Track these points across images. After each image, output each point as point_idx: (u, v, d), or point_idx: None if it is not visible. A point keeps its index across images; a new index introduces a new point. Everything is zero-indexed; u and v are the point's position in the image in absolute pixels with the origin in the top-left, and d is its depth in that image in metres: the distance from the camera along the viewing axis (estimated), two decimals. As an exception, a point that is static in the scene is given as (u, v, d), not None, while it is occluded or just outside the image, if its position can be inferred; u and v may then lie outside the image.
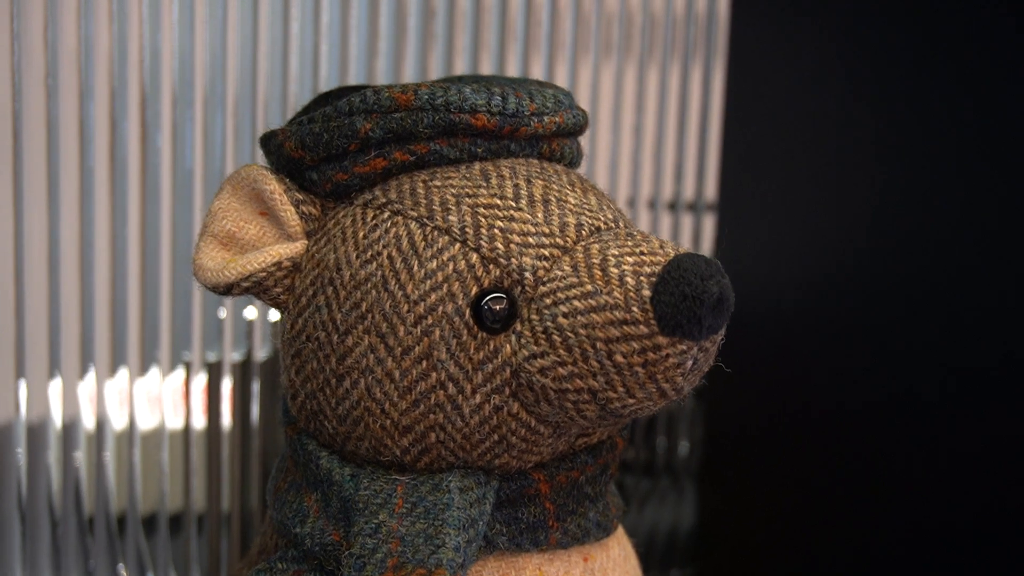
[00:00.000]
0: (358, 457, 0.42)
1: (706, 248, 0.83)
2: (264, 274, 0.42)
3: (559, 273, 0.40)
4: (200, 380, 0.71)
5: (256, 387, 0.71)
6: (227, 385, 0.71)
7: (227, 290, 0.42)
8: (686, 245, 0.79)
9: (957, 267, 0.64)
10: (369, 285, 0.41)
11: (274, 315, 0.70)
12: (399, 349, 0.40)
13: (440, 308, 0.40)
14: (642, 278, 0.39)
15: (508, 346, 0.40)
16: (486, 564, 0.43)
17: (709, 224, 0.83)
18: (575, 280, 0.39)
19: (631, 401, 0.40)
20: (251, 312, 0.71)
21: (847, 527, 0.70)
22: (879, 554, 0.69)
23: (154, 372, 0.70)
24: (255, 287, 0.42)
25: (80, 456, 0.70)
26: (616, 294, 0.39)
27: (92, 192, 0.67)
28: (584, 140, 0.78)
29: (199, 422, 0.72)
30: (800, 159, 0.73)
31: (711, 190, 0.83)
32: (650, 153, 0.82)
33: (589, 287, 0.39)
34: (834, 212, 0.71)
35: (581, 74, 0.79)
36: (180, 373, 0.71)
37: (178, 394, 0.71)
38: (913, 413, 0.66)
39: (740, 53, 0.78)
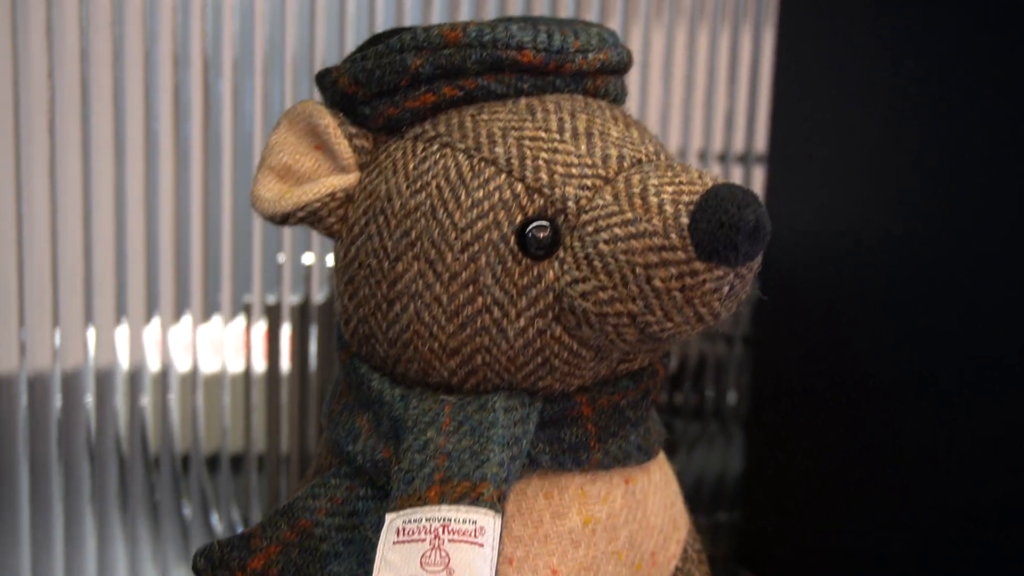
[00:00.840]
0: (407, 379, 0.44)
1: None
2: (319, 204, 0.44)
3: (600, 202, 0.41)
4: (260, 326, 0.73)
5: (314, 331, 0.74)
6: (286, 330, 0.73)
7: (283, 220, 0.44)
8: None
9: (1011, 223, 0.64)
10: (418, 214, 0.42)
11: (331, 260, 0.72)
12: (447, 275, 0.42)
13: (486, 235, 0.42)
14: (680, 206, 0.40)
15: (551, 272, 0.41)
16: (530, 482, 0.45)
17: (759, 176, 0.83)
18: (616, 209, 0.41)
19: (669, 325, 0.41)
20: (309, 258, 0.73)
21: (891, 477, 0.71)
22: (922, 503, 0.69)
23: (216, 319, 0.73)
24: (310, 217, 0.44)
25: (146, 400, 0.72)
26: (655, 221, 0.40)
27: (157, 141, 0.69)
28: (635, 93, 0.80)
29: (259, 366, 0.74)
30: (850, 113, 0.74)
31: (761, 143, 0.84)
32: (701, 105, 0.83)
33: (629, 215, 0.40)
34: (883, 167, 0.72)
35: (632, 31, 0.80)
36: (241, 320, 0.73)
37: (239, 339, 0.74)
38: (966, 368, 0.67)
39: (791, 12, 0.79)
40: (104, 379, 0.71)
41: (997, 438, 0.64)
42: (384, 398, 0.44)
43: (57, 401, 0.70)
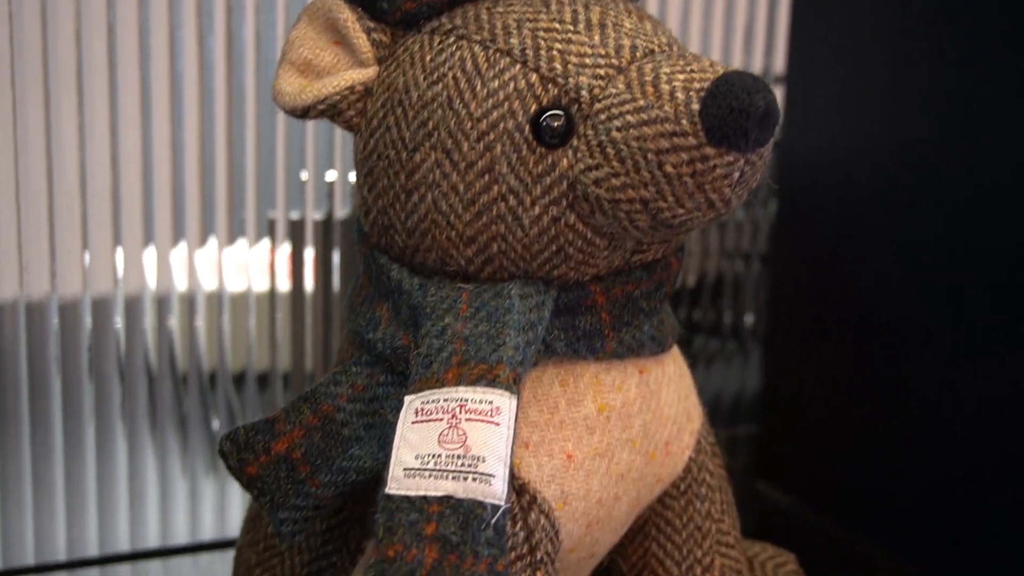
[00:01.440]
0: (426, 268, 0.45)
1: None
2: (338, 97, 0.45)
3: (613, 91, 0.42)
4: (284, 248, 0.74)
5: (337, 249, 0.75)
6: (310, 253, 0.75)
7: (304, 113, 0.45)
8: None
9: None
10: (435, 105, 0.43)
11: (353, 178, 0.73)
12: (463, 164, 0.43)
13: (501, 125, 0.42)
14: (691, 93, 0.41)
15: (565, 160, 0.42)
16: (546, 369, 0.46)
17: (778, 96, 0.84)
18: (628, 96, 0.41)
19: (680, 211, 0.42)
20: (332, 175, 0.74)
21: (907, 391, 0.72)
22: (937, 419, 0.70)
23: (241, 242, 0.74)
24: (330, 110, 0.45)
25: (174, 321, 0.74)
26: (667, 108, 0.41)
27: (180, 58, 0.70)
28: (653, 12, 0.80)
29: (284, 286, 0.75)
30: (867, 35, 0.74)
31: (780, 63, 0.84)
32: (720, 25, 0.83)
33: (641, 102, 0.41)
34: (900, 87, 0.72)
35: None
36: (265, 243, 0.74)
37: (264, 261, 0.75)
38: (984, 285, 0.67)
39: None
40: (132, 302, 0.72)
41: (1015, 359, 0.65)
42: (403, 287, 0.45)
43: (88, 323, 0.71)
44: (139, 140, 0.70)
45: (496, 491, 0.41)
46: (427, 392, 0.42)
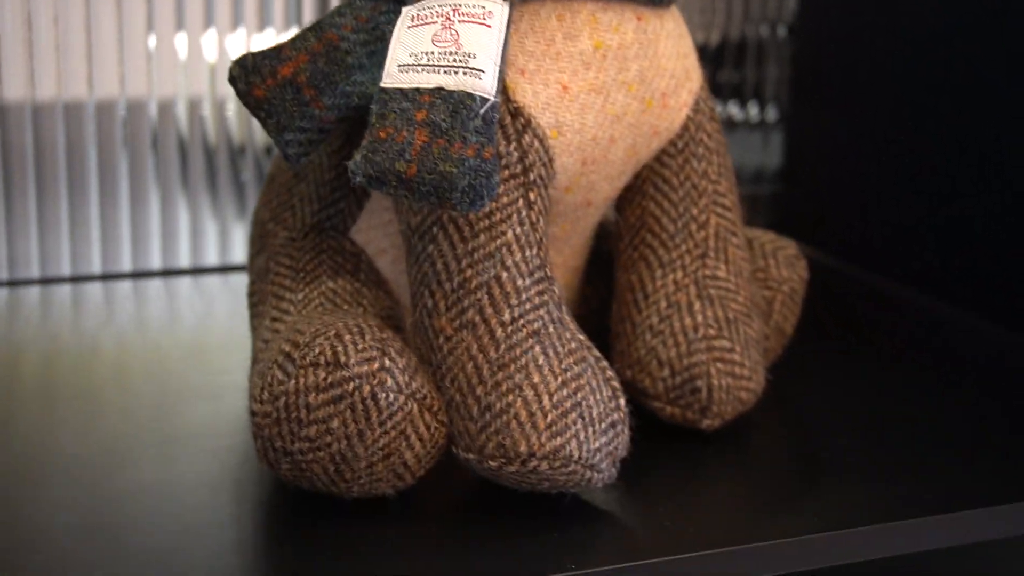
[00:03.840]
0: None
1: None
2: None
3: None
4: None
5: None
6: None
7: None
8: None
9: None
10: None
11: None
12: None
13: None
14: None
15: None
16: (544, 3, 0.47)
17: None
18: None
19: None
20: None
21: (928, 152, 0.73)
22: (948, 177, 0.71)
23: (269, 31, 0.76)
24: None
25: (205, 96, 0.76)
26: None
27: None
28: None
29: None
30: None
31: None
32: None
33: None
34: None
35: None
36: (294, 31, 0.76)
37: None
38: (999, 57, 0.67)
39: None
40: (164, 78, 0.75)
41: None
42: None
43: (123, 103, 0.74)
44: None
45: (486, 85, 0.42)
46: (424, 0, 0.44)
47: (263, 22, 0.76)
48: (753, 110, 0.86)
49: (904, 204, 0.74)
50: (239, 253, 0.77)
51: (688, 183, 0.52)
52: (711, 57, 0.84)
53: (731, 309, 0.51)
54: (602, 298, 0.58)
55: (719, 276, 0.52)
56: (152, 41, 0.74)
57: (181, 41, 0.74)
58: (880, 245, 0.76)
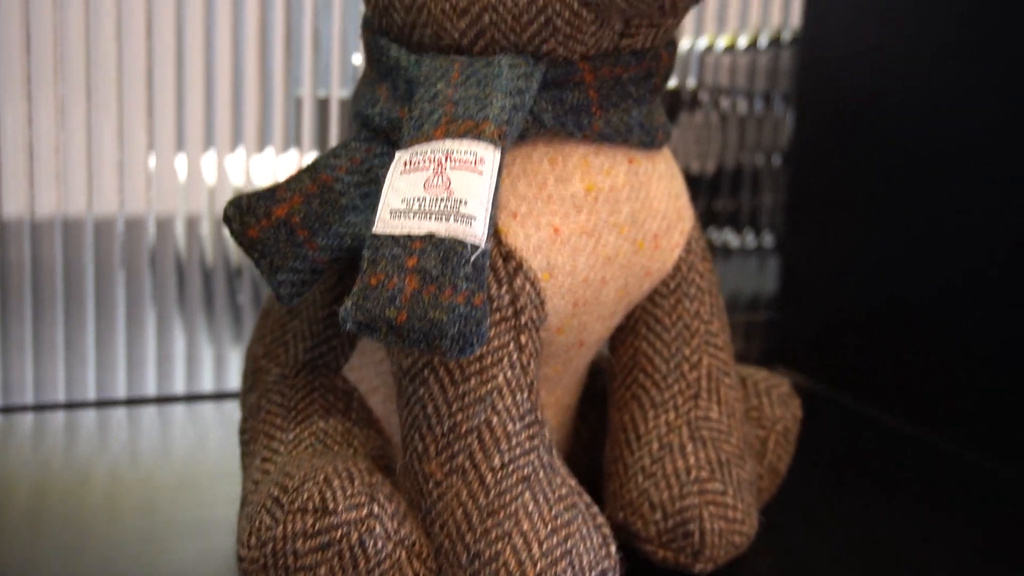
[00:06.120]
0: (423, 46, 0.47)
1: (794, 23, 0.85)
2: None
3: None
4: (312, 156, 0.77)
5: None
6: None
7: None
8: (775, 21, 0.82)
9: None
10: None
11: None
12: None
13: None
14: None
15: None
16: (536, 147, 0.48)
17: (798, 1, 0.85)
18: None
19: None
20: (357, 59, 0.77)
21: (927, 285, 0.73)
22: (944, 313, 0.71)
23: (269, 150, 0.77)
24: None
25: (204, 216, 0.77)
26: None
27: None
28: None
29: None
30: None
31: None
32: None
33: None
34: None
35: None
36: (294, 153, 0.77)
37: (291, 167, 0.78)
38: (996, 188, 0.68)
39: None
40: (163, 215, 0.75)
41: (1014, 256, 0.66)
42: (400, 63, 0.47)
43: (121, 224, 0.74)
44: (173, 58, 0.73)
45: (476, 232, 0.42)
46: (416, 146, 0.44)
47: (262, 142, 0.77)
48: (749, 236, 0.86)
49: (899, 334, 0.74)
50: (234, 379, 0.77)
51: (680, 323, 0.53)
52: (707, 186, 0.85)
53: (724, 451, 0.51)
54: (594, 433, 0.57)
55: (711, 417, 0.52)
56: (152, 161, 0.74)
57: (181, 162, 0.75)
58: (875, 376, 0.76)
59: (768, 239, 0.87)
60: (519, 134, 0.46)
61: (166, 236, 0.76)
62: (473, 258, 0.42)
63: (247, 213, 0.47)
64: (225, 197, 0.76)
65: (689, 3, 0.47)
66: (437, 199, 0.43)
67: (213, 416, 0.72)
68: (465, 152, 0.44)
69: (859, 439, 0.71)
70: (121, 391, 0.75)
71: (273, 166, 0.77)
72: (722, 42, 0.85)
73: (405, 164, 0.44)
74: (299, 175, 0.47)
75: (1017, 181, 0.66)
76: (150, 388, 0.76)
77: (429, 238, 0.42)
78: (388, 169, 0.45)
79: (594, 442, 0.57)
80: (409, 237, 0.43)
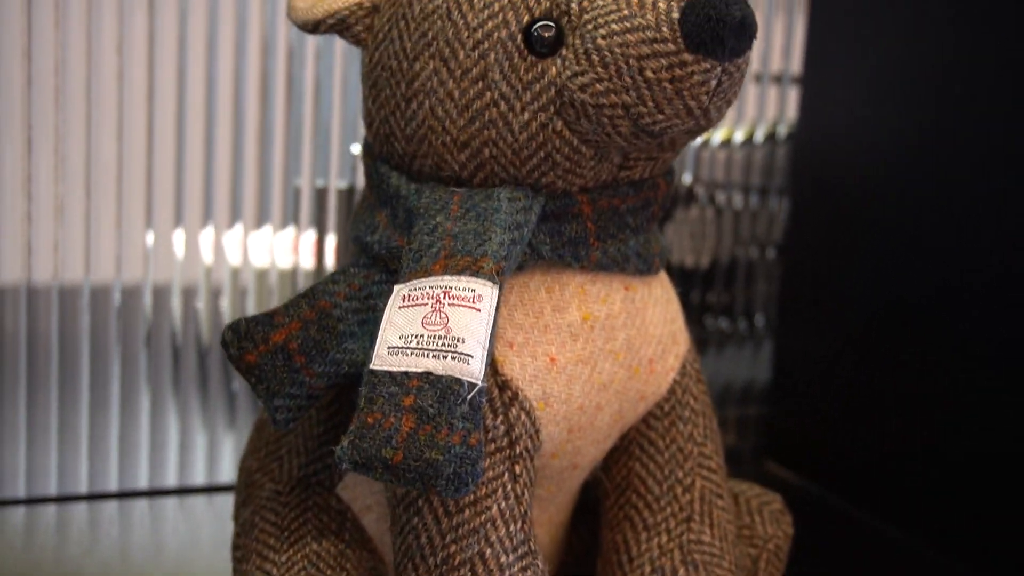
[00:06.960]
0: (423, 175, 0.48)
1: (790, 119, 0.86)
2: (347, 12, 0.48)
3: (600, 2, 0.45)
4: (309, 234, 0.78)
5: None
6: (331, 242, 0.78)
7: (315, 28, 0.49)
8: (771, 116, 0.83)
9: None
10: (435, 16, 0.46)
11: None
12: (459, 71, 0.46)
13: (495, 34, 0.45)
14: (672, 3, 0.43)
15: (554, 68, 0.45)
16: (533, 276, 0.48)
17: (793, 97, 0.86)
18: (614, 7, 0.44)
19: (660, 117, 0.44)
20: (356, 148, 0.77)
21: (918, 379, 0.73)
22: (943, 407, 0.71)
23: (267, 228, 0.77)
24: (339, 24, 0.48)
25: (200, 292, 0.77)
26: (649, 16, 0.43)
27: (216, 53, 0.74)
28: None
29: (307, 263, 0.78)
30: (883, 34, 0.77)
31: (796, 64, 0.86)
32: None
33: (625, 12, 0.44)
34: (914, 88, 0.74)
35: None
36: (291, 230, 0.77)
37: (289, 243, 0.78)
38: (993, 281, 0.68)
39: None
40: (160, 286, 0.76)
41: (1017, 350, 0.66)
42: (400, 192, 0.48)
43: (116, 300, 0.75)
44: (173, 138, 0.74)
45: (473, 370, 0.43)
46: (414, 281, 0.44)
47: (260, 219, 0.77)
48: (742, 325, 0.87)
49: (888, 433, 0.74)
50: (226, 470, 0.77)
51: (674, 446, 0.53)
52: (702, 278, 0.86)
53: (716, 575, 0.51)
54: (586, 545, 0.57)
55: (704, 541, 0.52)
56: (150, 237, 0.75)
57: (179, 238, 0.76)
58: (866, 475, 0.76)
59: (761, 330, 0.87)
60: (517, 264, 0.46)
61: (162, 310, 0.76)
62: (470, 397, 0.42)
63: (245, 338, 0.47)
64: (223, 273, 0.77)
65: (687, 139, 0.47)
66: (435, 336, 0.43)
67: (204, 511, 0.72)
68: (463, 289, 0.44)
69: (848, 546, 0.71)
70: (113, 483, 0.75)
71: (271, 243, 0.77)
72: (718, 137, 0.86)
73: (404, 299, 0.44)
74: (297, 300, 0.47)
75: (1015, 266, 0.66)
76: (142, 479, 0.76)
77: (426, 376, 0.43)
78: (386, 299, 0.46)
79: (587, 555, 0.57)
80: (406, 374, 0.43)
